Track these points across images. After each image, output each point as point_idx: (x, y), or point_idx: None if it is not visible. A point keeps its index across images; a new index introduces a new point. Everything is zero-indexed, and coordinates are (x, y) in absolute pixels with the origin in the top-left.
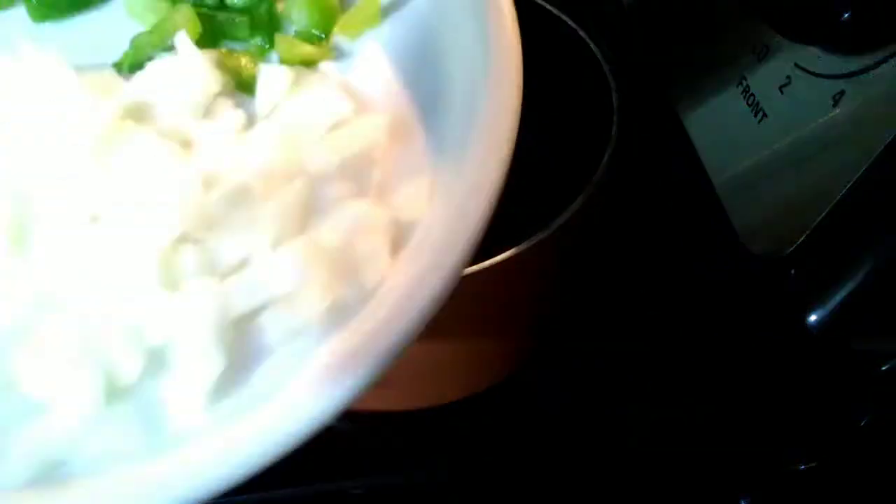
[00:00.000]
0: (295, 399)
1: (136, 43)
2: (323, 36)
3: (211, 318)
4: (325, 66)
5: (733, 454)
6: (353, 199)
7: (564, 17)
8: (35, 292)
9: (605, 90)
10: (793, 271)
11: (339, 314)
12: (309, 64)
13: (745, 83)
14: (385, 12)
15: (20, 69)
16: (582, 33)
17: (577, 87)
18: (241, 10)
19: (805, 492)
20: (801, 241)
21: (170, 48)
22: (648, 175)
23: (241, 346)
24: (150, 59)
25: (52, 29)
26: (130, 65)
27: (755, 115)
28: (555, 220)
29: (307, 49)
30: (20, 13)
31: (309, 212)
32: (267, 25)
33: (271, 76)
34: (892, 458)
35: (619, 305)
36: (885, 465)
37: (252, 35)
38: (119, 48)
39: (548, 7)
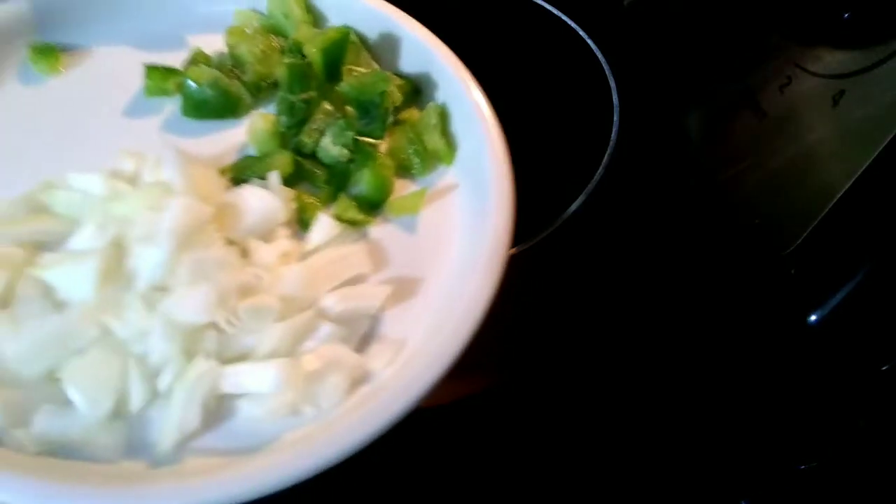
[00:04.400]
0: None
1: (243, 163)
2: (375, 205)
3: (203, 388)
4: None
5: (733, 454)
6: (339, 342)
7: (564, 18)
8: (100, 322)
9: (605, 90)
10: (793, 271)
11: (295, 419)
12: (354, 224)
13: (745, 83)
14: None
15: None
16: (582, 33)
17: (577, 87)
18: (324, 165)
19: (805, 492)
20: (801, 241)
21: (263, 176)
22: (648, 175)
23: (216, 414)
24: (247, 179)
25: (193, 122)
26: (233, 176)
27: (755, 115)
28: (555, 220)
29: (357, 214)
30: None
31: (304, 337)
32: (338, 182)
33: (324, 225)
34: (892, 458)
35: (619, 306)
36: (885, 465)
37: (325, 185)
38: (233, 156)
39: (548, 7)
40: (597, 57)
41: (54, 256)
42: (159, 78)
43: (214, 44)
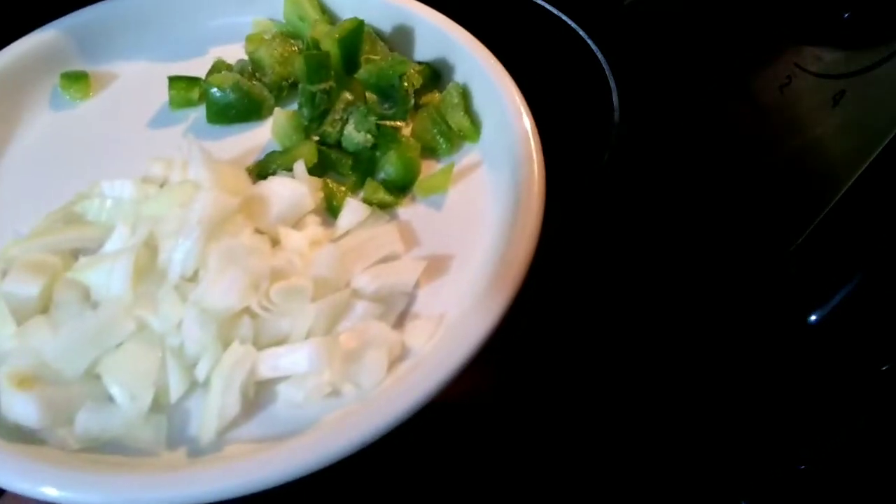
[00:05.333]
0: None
1: (269, 158)
2: (403, 188)
3: (241, 374)
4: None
5: (733, 454)
6: (376, 320)
7: (564, 17)
8: (136, 317)
9: (605, 90)
10: (793, 271)
11: (336, 401)
12: (384, 207)
13: (745, 83)
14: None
15: (184, 154)
16: (582, 33)
17: (577, 87)
18: (350, 153)
19: (805, 492)
20: (801, 240)
21: (290, 168)
22: (648, 175)
23: (256, 403)
24: (274, 172)
25: (218, 128)
26: (259, 172)
27: (756, 115)
28: (555, 219)
29: (385, 196)
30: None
31: (340, 317)
32: (364, 169)
33: (353, 208)
34: (892, 458)
35: (618, 305)
36: (885, 465)
37: (351, 172)
38: (258, 154)
39: (548, 7)
40: (597, 57)
41: (89, 259)
42: (183, 88)
43: (234, 55)
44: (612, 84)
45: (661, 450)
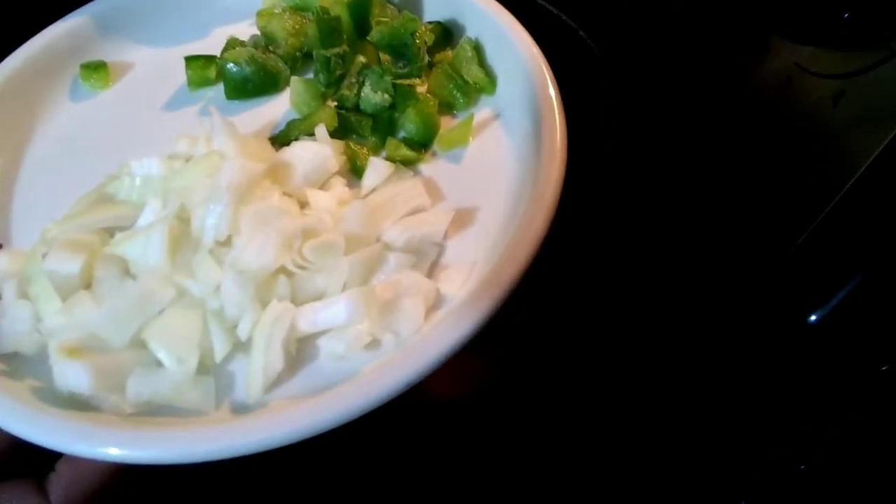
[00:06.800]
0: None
1: (290, 126)
2: (424, 144)
3: (281, 330)
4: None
5: (733, 454)
6: (410, 270)
7: (564, 17)
8: (175, 284)
9: (606, 90)
10: (793, 270)
11: (377, 353)
12: (407, 163)
13: (745, 83)
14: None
15: (207, 128)
16: (582, 33)
17: (577, 86)
18: (369, 115)
19: (805, 492)
20: (801, 240)
21: (312, 134)
22: (648, 175)
23: (298, 357)
24: (296, 138)
25: (238, 104)
26: (281, 141)
27: (756, 115)
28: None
29: (407, 152)
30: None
31: (374, 269)
32: (384, 129)
33: (377, 166)
34: (893, 458)
35: (619, 305)
36: (885, 465)
37: (372, 134)
38: (278, 125)
39: (548, 7)
40: (597, 57)
41: (125, 234)
42: (200, 67)
43: (245, 33)
44: (612, 84)
45: (661, 449)
